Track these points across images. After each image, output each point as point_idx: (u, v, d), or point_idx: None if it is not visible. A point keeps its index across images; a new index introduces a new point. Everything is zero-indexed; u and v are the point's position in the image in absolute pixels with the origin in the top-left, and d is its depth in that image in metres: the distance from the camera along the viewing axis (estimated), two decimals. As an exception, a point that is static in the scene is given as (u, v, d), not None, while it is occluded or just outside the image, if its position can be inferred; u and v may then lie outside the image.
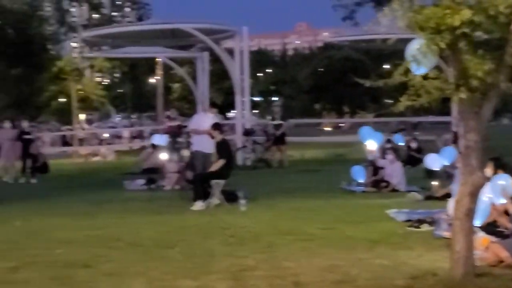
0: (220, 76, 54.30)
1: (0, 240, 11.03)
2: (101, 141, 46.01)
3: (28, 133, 23.69)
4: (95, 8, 54.61)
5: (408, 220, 11.66)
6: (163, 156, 20.24)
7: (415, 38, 7.39)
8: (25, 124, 24.35)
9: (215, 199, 14.60)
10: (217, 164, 14.99)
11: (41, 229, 12.06)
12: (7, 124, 23.45)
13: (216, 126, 15.46)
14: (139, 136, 51.07)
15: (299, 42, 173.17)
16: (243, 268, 8.50)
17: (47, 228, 12.11)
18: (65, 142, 45.78)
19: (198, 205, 14.26)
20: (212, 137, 15.39)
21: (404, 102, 7.38)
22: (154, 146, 22.14)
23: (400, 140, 24.40)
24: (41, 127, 51.76)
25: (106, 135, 50.93)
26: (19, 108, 48.89)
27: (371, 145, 18.62)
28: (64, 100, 51.35)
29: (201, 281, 7.91)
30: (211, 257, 9.22)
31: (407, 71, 7.31)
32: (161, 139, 22.89)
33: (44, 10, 53.05)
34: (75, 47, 56.77)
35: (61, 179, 23.81)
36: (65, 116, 56.39)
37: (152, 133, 34.09)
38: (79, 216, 13.59)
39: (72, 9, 61.13)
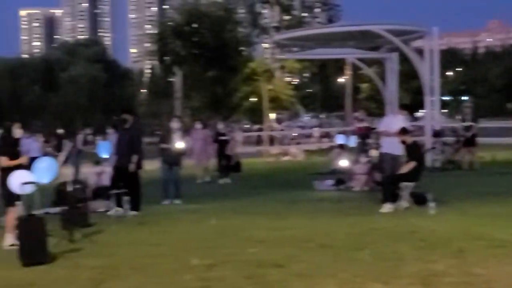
0: (408, 76, 53.46)
1: (196, 238, 11.50)
2: (291, 141, 46.73)
3: (223, 134, 24.23)
4: (286, 10, 55.27)
5: None
6: (351, 157, 20.27)
7: None
8: (220, 126, 25.00)
9: (404, 202, 14.42)
10: (408, 166, 14.79)
11: (235, 228, 12.44)
12: (198, 125, 24.21)
13: (404, 131, 15.26)
14: (327, 135, 51.35)
15: (490, 40, 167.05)
16: (433, 273, 8.34)
17: (241, 227, 12.47)
18: (258, 141, 46.88)
19: (387, 207, 14.14)
20: (403, 142, 15.20)
21: None
22: (342, 147, 22.17)
23: None
24: (234, 126, 53.26)
25: (295, 134, 51.65)
26: (213, 109, 50.65)
27: None
28: (255, 100, 52.61)
29: (391, 285, 7.86)
30: (401, 260, 9.11)
31: None
32: (347, 140, 22.88)
33: (238, 13, 54.53)
34: (266, 49, 57.92)
35: (252, 178, 24.40)
36: (256, 115, 57.78)
37: (339, 133, 34.18)
38: (271, 216, 13.89)
39: (264, 12, 62.47)
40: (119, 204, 15.12)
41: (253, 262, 9.22)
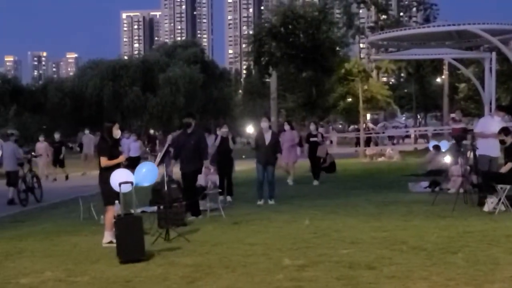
0: (508, 76, 52.19)
1: (289, 238, 11.54)
2: (387, 141, 46.33)
3: (315, 136, 24.06)
4: (382, 10, 54.79)
5: None
6: (447, 159, 19.92)
7: None
8: (312, 127, 24.85)
9: (500, 205, 14.06)
10: (506, 167, 14.46)
11: (328, 228, 12.43)
12: (286, 126, 24.11)
13: (506, 131, 14.92)
14: (424, 136, 50.60)
15: None
16: (529, 279, 8.16)
17: (333, 228, 12.45)
18: (357, 142, 46.72)
19: (490, 202, 13.88)
20: (503, 142, 14.86)
21: None
22: (437, 148, 21.81)
23: None
24: (328, 127, 53.15)
25: (390, 135, 51.15)
26: (308, 109, 50.68)
27: None
28: (350, 100, 52.36)
29: (484, 290, 7.73)
30: (495, 265, 8.92)
31: None
32: (443, 142, 22.49)
33: (333, 14, 54.37)
34: (362, 49, 57.50)
35: (346, 179, 24.31)
36: (351, 116, 57.50)
37: (435, 134, 33.66)
38: (364, 217, 13.83)
39: (360, 12, 62.11)
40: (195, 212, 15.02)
41: (345, 263, 9.21)
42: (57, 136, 26.26)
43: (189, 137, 15.10)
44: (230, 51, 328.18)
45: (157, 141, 37.40)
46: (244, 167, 23.22)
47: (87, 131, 35.74)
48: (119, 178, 10.78)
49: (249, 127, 20.10)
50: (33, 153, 23.70)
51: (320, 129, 28.60)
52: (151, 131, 30.65)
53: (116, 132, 11.95)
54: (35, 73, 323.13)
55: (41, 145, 28.73)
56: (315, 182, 23.16)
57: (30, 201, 20.63)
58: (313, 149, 23.76)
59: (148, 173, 11.37)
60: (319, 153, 23.93)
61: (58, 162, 30.32)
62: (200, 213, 15.04)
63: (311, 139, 23.95)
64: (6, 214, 17.64)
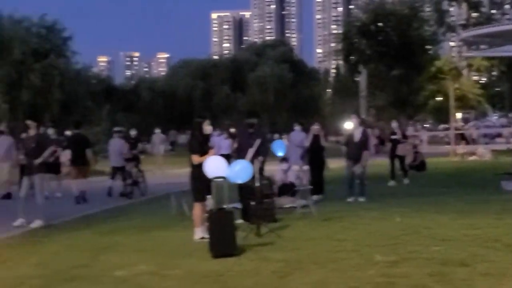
0: None
1: (380, 235, 11.47)
2: (479, 140, 45.40)
3: (395, 134, 23.69)
4: (474, 7, 53.72)
5: None
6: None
7: None
8: (394, 124, 24.51)
9: None
10: None
11: (419, 225, 12.28)
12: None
13: None
14: (517, 135, 49.32)
15: None
16: None
17: (424, 225, 12.29)
18: (449, 141, 45.96)
19: None
20: None
21: None
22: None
23: None
24: (417, 126, 52.44)
25: (481, 133, 50.11)
26: (398, 107, 50.14)
27: None
28: (440, 99, 51.50)
29: None
30: None
31: None
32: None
33: (424, 11, 53.59)
34: (453, 47, 56.50)
35: (437, 177, 23.95)
36: (441, 115, 56.53)
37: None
38: (455, 215, 13.58)
39: (451, 9, 61.00)
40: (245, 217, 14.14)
41: (437, 260, 9.09)
42: (133, 133, 26.63)
43: (250, 137, 14.62)
44: (319, 50, 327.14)
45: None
46: (334, 165, 23.10)
47: (157, 131, 36.37)
48: (215, 167, 10.90)
49: (346, 124, 19.62)
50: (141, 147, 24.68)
51: (410, 128, 28.19)
52: (232, 129, 30.90)
53: (207, 128, 12.08)
54: (128, 73, 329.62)
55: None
56: (391, 183, 22.62)
57: (135, 194, 21.64)
58: (394, 148, 23.39)
59: (242, 171, 11.41)
60: (400, 151, 23.47)
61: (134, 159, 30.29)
62: (249, 219, 13.58)
63: (392, 137, 23.63)
64: (101, 209, 18.08)
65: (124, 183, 21.78)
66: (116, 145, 22.56)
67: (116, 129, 25.20)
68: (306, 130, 19.60)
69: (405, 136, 24.09)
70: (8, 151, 21.02)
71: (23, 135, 16.00)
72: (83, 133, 22.52)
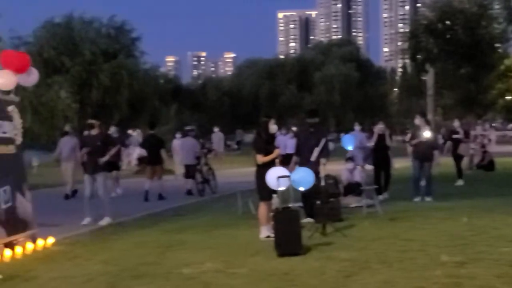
0: None
1: (447, 235, 11.33)
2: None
3: (457, 133, 23.25)
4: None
5: None
6: None
7: None
8: (456, 123, 24.04)
9: None
10: None
11: (487, 226, 12.09)
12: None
13: None
14: None
15: None
16: None
17: (492, 226, 12.11)
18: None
19: None
20: None
21: None
22: None
23: None
24: (486, 125, 51.56)
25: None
26: (466, 106, 49.39)
27: None
28: (510, 98, 50.53)
29: None
30: None
31: None
32: None
33: (493, 9, 52.60)
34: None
35: (506, 177, 23.49)
36: (511, 114, 55.42)
37: None
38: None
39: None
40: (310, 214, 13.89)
41: (505, 261, 8.94)
42: (177, 135, 26.89)
43: (310, 136, 14.32)
44: (386, 49, 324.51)
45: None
46: (400, 164, 22.89)
47: (216, 129, 36.59)
48: (277, 173, 10.95)
49: (414, 122, 19.39)
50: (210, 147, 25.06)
51: (478, 127, 27.62)
52: (293, 128, 30.96)
53: (272, 127, 12.11)
54: (195, 72, 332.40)
55: (178, 142, 28.95)
56: (459, 182, 22.19)
57: (206, 192, 22.03)
58: (456, 147, 22.94)
59: (304, 179, 11.40)
60: (461, 151, 23.00)
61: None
62: (315, 217, 13.34)
63: (454, 136, 23.18)
64: (168, 207, 18.29)
65: (195, 181, 22.17)
66: (189, 144, 23.00)
67: (187, 128, 25.64)
68: (366, 130, 19.50)
69: (467, 136, 23.62)
70: (72, 151, 21.47)
71: (85, 133, 16.26)
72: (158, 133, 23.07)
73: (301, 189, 11.87)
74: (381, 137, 18.54)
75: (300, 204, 14.24)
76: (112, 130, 23.66)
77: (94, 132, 15.63)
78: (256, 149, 11.99)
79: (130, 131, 40.64)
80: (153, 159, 21.41)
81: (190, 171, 22.45)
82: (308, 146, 14.10)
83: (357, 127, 22.50)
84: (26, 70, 12.20)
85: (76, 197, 21.24)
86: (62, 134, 23.67)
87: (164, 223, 14.93)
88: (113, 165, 20.42)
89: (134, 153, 37.18)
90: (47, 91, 45.09)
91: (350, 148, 16.06)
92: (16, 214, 11.62)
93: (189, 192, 22.00)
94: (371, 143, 18.70)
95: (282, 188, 11.01)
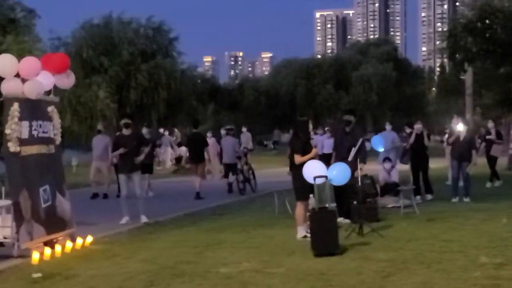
0: None
1: (486, 236, 11.23)
2: None
3: (490, 133, 22.96)
4: None
5: None
6: None
7: None
8: (490, 124, 23.71)
9: None
10: None
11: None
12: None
13: None
14: None
15: None
16: None
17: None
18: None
19: None
20: None
21: None
22: None
23: None
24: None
25: None
26: (506, 106, 48.76)
27: None
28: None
29: None
30: None
31: None
32: None
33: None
34: None
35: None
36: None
37: None
38: None
39: None
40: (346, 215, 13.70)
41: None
42: (222, 132, 26.72)
43: (346, 136, 14.14)
44: (424, 48, 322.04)
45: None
46: (437, 164, 22.73)
47: (244, 129, 36.63)
48: (313, 170, 10.90)
49: (452, 123, 19.16)
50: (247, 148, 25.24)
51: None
52: (326, 128, 30.84)
53: (310, 126, 12.16)
54: (232, 72, 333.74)
55: (210, 141, 27.22)
56: (497, 183, 22.05)
57: (247, 191, 22.37)
58: (489, 148, 22.63)
59: (340, 174, 11.32)
60: (493, 152, 22.63)
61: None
62: (352, 217, 13.33)
63: (487, 137, 22.88)
64: (206, 207, 18.37)
65: (236, 180, 22.42)
66: (229, 143, 23.34)
67: (227, 127, 25.78)
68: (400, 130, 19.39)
69: (499, 137, 23.27)
70: (105, 151, 21.40)
71: (118, 133, 16.27)
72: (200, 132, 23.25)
73: (338, 184, 11.76)
74: (419, 137, 18.39)
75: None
76: (144, 131, 23.50)
77: (127, 132, 15.67)
78: (294, 149, 11.97)
79: (161, 130, 40.72)
80: (196, 157, 21.58)
81: (230, 170, 22.74)
82: (344, 145, 14.00)
83: (388, 126, 22.40)
84: (65, 72, 12.34)
85: (98, 199, 21.36)
86: (96, 133, 23.83)
87: (202, 223, 15.00)
88: (147, 167, 20.45)
89: (167, 152, 37.36)
90: (86, 91, 45.47)
91: (380, 149, 15.85)
92: (55, 213, 11.76)
93: (230, 189, 22.37)
94: (408, 143, 18.55)
95: (318, 185, 10.97)
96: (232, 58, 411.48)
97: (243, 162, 22.99)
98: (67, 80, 12.54)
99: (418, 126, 18.63)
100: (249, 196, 21.49)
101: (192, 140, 22.18)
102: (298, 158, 11.73)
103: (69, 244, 11.47)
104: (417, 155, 18.33)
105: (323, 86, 75.83)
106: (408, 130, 19.66)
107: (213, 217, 16.07)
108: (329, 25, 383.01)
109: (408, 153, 18.84)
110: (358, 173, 12.97)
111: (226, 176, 23.12)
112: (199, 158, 21.53)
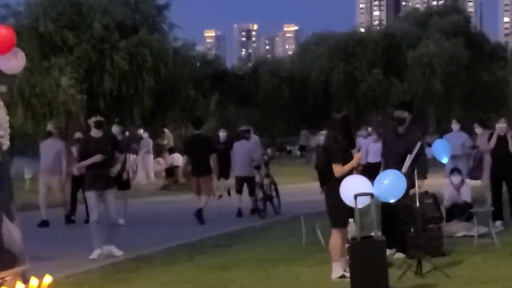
0: None
1: None
2: None
3: None
4: None
5: None
6: None
7: None
8: None
9: None
10: None
11: None
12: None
13: None
14: None
15: None
16: None
17: None
18: None
19: None
20: None
21: None
22: None
23: None
24: None
25: None
26: None
27: None
28: None
29: None
30: None
31: None
32: None
33: None
34: None
35: None
36: None
37: None
38: None
39: None
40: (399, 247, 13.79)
41: None
42: (222, 135, 26.28)
43: (398, 140, 14.10)
44: (506, 19, 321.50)
45: None
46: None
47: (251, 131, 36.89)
48: (354, 187, 10.85)
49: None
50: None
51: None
52: (369, 128, 30.58)
53: (350, 126, 12.16)
54: (243, 52, 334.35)
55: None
56: None
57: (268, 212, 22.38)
58: None
59: (392, 185, 11.21)
60: None
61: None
62: (407, 250, 13.47)
63: None
64: (208, 236, 18.39)
65: (254, 197, 22.45)
66: (244, 149, 23.20)
67: (243, 128, 25.47)
68: (466, 130, 19.34)
69: None
70: (57, 160, 20.99)
71: (76, 135, 16.12)
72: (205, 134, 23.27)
73: (389, 201, 11.68)
74: (502, 141, 18.11)
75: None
76: (115, 131, 22.07)
77: (98, 133, 15.57)
78: (332, 157, 11.87)
79: (140, 132, 40.48)
80: (200, 169, 21.49)
81: (248, 186, 22.75)
82: (396, 152, 13.88)
83: (455, 126, 22.36)
84: (8, 52, 12.32)
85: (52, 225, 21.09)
86: (44, 136, 23.15)
87: (202, 257, 15.06)
88: (123, 181, 20.16)
89: (148, 161, 37.29)
90: (43, 78, 45.26)
91: (445, 160, 15.56)
92: (2, 245, 11.78)
93: (239, 212, 22.37)
94: (489, 147, 18.33)
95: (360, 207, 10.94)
96: (244, 33, 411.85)
97: (264, 174, 22.92)
98: (15, 62, 12.50)
99: (500, 126, 18.35)
100: (269, 219, 21.45)
101: (193, 144, 22.11)
102: (338, 169, 11.65)
103: (20, 287, 11.50)
104: (499, 166, 18.13)
105: (367, 71, 75.78)
106: (478, 130, 19.64)
107: (218, 250, 16.13)
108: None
109: (481, 165, 18.74)
110: (416, 191, 12.89)
111: (238, 191, 23.03)
112: (204, 170, 21.47)
